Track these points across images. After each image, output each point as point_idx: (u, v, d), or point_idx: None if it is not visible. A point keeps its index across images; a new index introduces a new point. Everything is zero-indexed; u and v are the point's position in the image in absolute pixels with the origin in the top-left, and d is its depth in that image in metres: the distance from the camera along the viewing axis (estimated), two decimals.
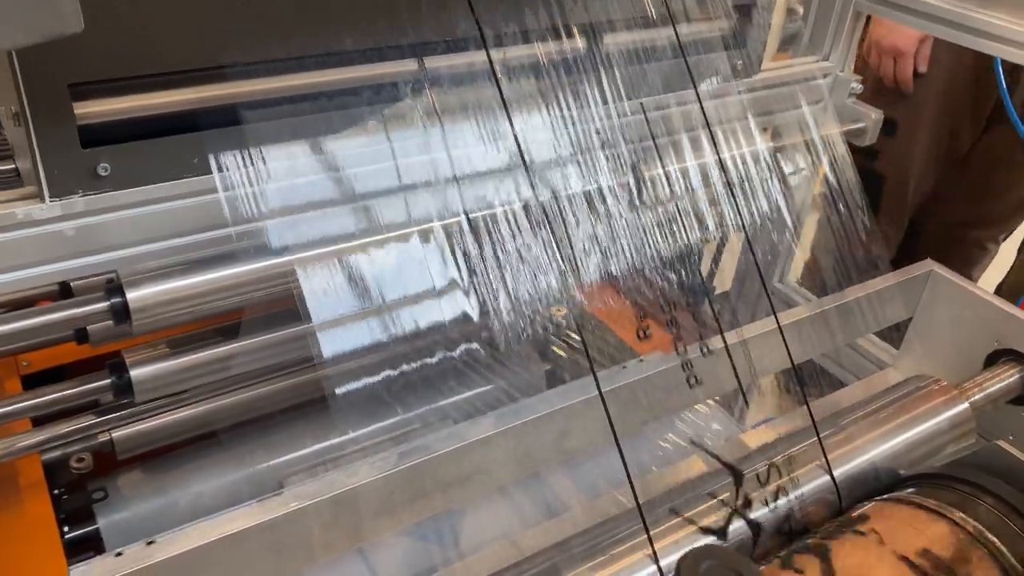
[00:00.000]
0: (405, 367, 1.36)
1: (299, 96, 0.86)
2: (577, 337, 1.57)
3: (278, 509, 0.76)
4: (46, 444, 1.18)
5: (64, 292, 0.93)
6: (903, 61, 1.87)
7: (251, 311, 0.91)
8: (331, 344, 0.84)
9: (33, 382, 1.30)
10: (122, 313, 0.78)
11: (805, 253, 1.48)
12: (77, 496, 1.31)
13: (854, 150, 1.16)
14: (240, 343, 0.98)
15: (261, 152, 0.78)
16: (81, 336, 0.89)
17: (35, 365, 1.30)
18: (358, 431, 1.46)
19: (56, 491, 1.27)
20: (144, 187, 0.82)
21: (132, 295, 0.78)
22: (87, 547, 1.31)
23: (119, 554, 1.03)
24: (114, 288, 0.78)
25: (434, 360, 1.36)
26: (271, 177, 0.81)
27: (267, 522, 0.75)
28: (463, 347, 1.40)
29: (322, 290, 0.82)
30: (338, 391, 0.92)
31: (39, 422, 1.16)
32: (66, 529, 1.28)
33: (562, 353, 1.61)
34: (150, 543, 1.06)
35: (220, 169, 0.80)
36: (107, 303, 0.79)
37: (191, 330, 1.03)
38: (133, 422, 1.25)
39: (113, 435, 1.25)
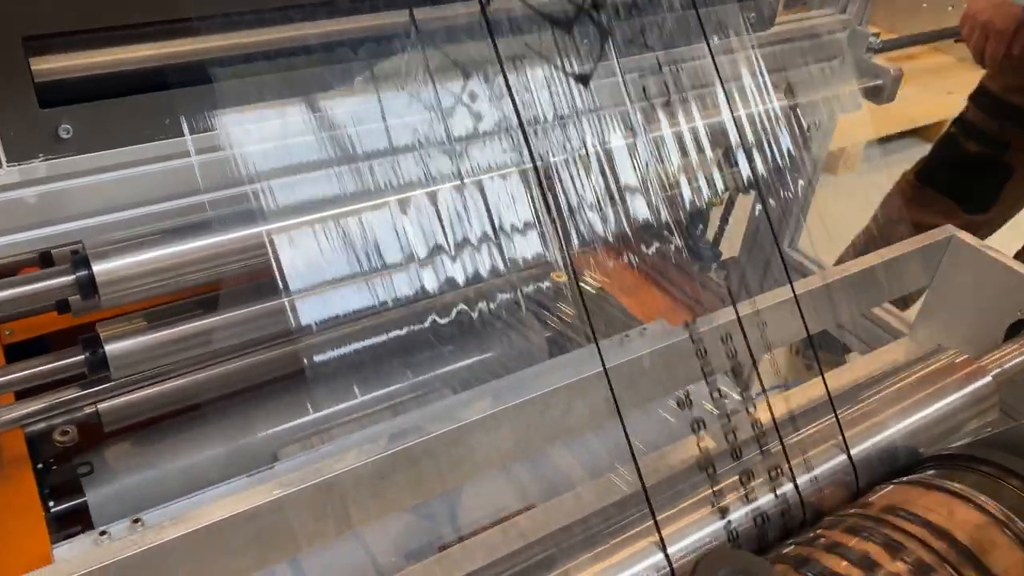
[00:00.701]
0: (395, 333, 1.32)
1: (279, 51, 0.79)
2: (575, 305, 1.53)
3: (263, 496, 0.71)
4: (28, 418, 1.14)
5: (45, 261, 0.87)
6: (996, 39, 1.78)
7: (231, 282, 0.86)
8: (312, 312, 0.78)
9: (16, 352, 1.26)
10: (88, 287, 0.73)
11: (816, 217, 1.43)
12: (62, 471, 1.28)
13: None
14: (221, 316, 0.93)
15: (238, 112, 0.71)
16: (62, 306, 0.83)
17: (19, 334, 1.25)
18: (353, 401, 1.42)
19: (40, 465, 1.24)
20: (111, 151, 0.75)
21: (99, 267, 0.72)
22: (75, 521, 1.28)
23: (103, 532, 1.00)
24: (80, 260, 0.73)
25: (426, 326, 1.31)
26: (249, 139, 0.75)
27: (251, 509, 0.70)
28: (457, 312, 1.35)
29: (302, 257, 0.76)
30: (318, 359, 0.88)
31: (21, 395, 1.12)
32: (51, 504, 1.25)
33: (556, 321, 1.56)
34: (136, 520, 1.03)
35: (193, 131, 0.74)
36: (72, 276, 0.73)
37: (171, 301, 0.98)
38: (120, 393, 1.21)
39: (99, 407, 1.21)
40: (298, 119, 0.73)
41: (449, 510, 1.14)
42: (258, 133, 0.74)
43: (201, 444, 1.33)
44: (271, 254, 0.68)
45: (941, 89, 3.62)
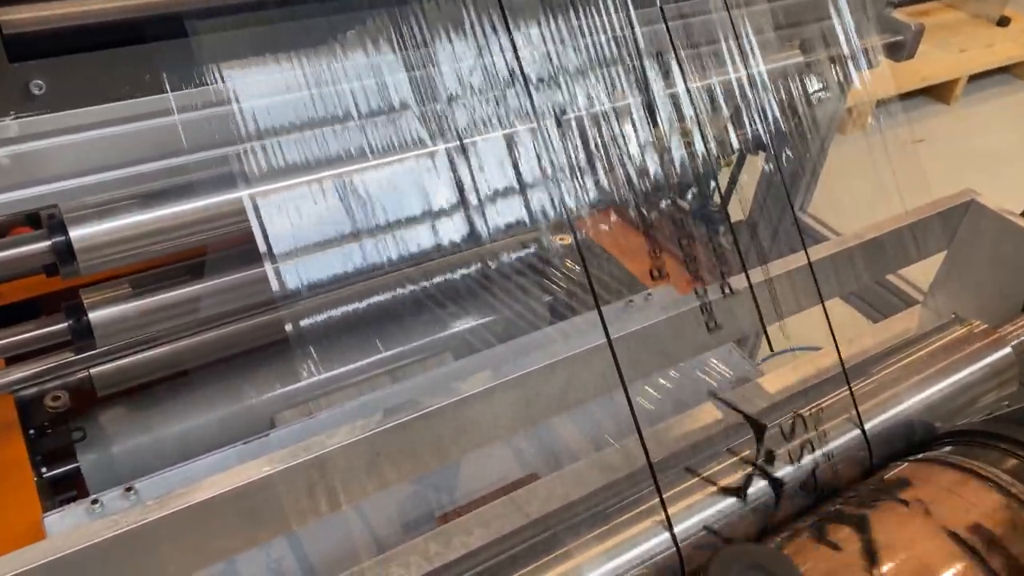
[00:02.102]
0: (389, 295, 1.28)
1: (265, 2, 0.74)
2: (579, 268, 1.49)
3: (254, 472, 0.68)
4: (17, 384, 1.11)
5: (32, 222, 0.84)
6: None
7: (219, 247, 0.82)
8: (298, 276, 0.73)
9: (9, 313, 1.23)
10: (66, 253, 0.69)
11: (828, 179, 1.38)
12: (54, 436, 1.26)
13: None
14: (210, 282, 0.89)
15: (220, 68, 0.67)
16: (50, 268, 0.80)
17: (7, 297, 1.23)
18: (350, 365, 1.40)
19: (32, 431, 1.22)
20: (86, 108, 0.70)
21: (76, 233, 0.68)
22: (69, 486, 1.26)
23: (95, 501, 0.98)
24: (56, 225, 0.68)
25: (424, 287, 1.27)
26: (235, 97, 0.70)
27: (243, 487, 0.68)
28: (457, 274, 1.31)
29: (289, 220, 0.71)
30: (304, 324, 0.84)
31: (10, 361, 1.09)
32: (44, 470, 1.23)
33: (561, 286, 1.53)
34: (129, 489, 1.01)
35: (175, 87, 0.69)
36: (48, 242, 0.69)
37: (158, 264, 0.94)
38: (114, 358, 1.18)
39: (92, 371, 1.19)
40: (289, 75, 0.69)
41: (448, 478, 1.12)
42: (255, 88, 0.70)
43: (197, 408, 1.31)
44: (254, 218, 0.63)
45: (954, 47, 3.54)
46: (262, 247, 0.64)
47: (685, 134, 0.97)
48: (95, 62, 0.71)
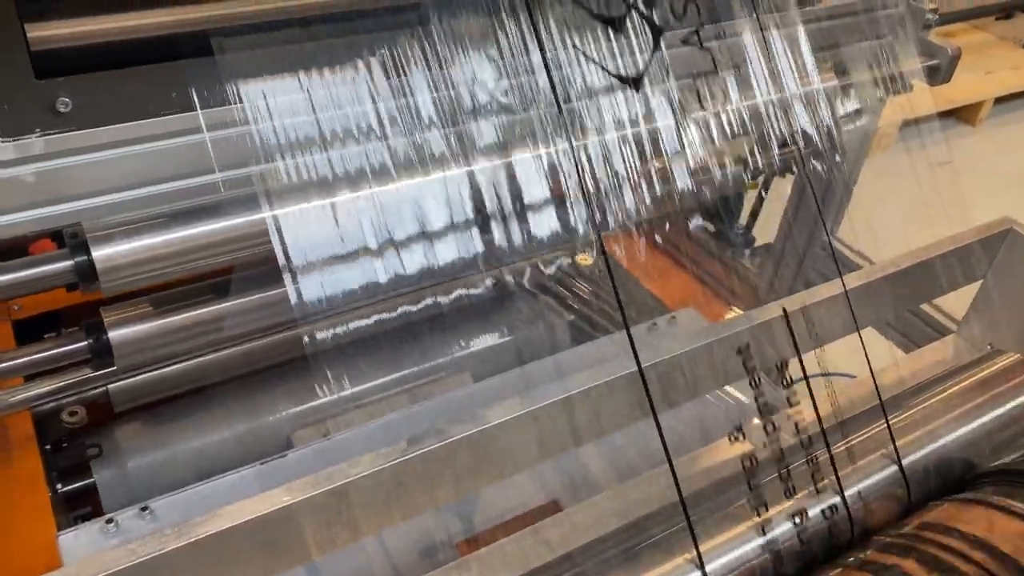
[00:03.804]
0: (412, 311, 1.26)
1: (294, 20, 0.73)
2: (601, 288, 1.47)
3: (273, 502, 0.66)
4: (36, 400, 1.10)
5: (58, 239, 0.82)
6: None
7: (242, 267, 0.80)
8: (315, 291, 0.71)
9: (25, 327, 1.22)
10: (88, 273, 0.67)
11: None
12: (70, 452, 1.25)
13: None
14: (232, 302, 0.88)
15: (239, 85, 0.65)
16: (71, 285, 0.78)
17: (27, 310, 1.22)
18: (368, 383, 1.38)
19: (48, 447, 1.21)
20: (113, 126, 0.69)
21: (99, 253, 0.67)
22: (84, 502, 1.25)
23: (110, 520, 0.96)
24: (78, 244, 0.67)
25: (447, 301, 1.26)
26: (266, 115, 0.69)
27: (260, 517, 0.66)
28: (477, 292, 1.29)
29: (309, 236, 0.69)
30: (321, 338, 0.82)
31: (29, 376, 1.08)
32: (59, 485, 1.22)
33: (580, 306, 1.51)
34: (144, 508, 0.99)
35: (205, 105, 0.68)
36: (71, 262, 0.67)
37: (181, 283, 0.93)
38: (132, 373, 1.16)
39: (109, 387, 1.18)
40: (313, 94, 0.67)
41: (468, 503, 1.10)
42: (277, 106, 0.68)
43: (214, 425, 1.30)
44: (274, 232, 0.62)
45: (980, 68, 3.50)
46: (281, 260, 0.62)
47: (715, 155, 0.96)
48: (121, 79, 0.70)
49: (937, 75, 1.15)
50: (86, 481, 1.21)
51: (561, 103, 0.78)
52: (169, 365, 1.16)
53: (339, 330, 1.03)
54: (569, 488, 1.12)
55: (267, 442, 1.29)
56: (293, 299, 0.64)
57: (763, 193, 1.50)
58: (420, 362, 1.39)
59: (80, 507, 1.22)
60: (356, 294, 0.69)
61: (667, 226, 1.00)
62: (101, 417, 1.21)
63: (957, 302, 1.14)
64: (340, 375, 1.41)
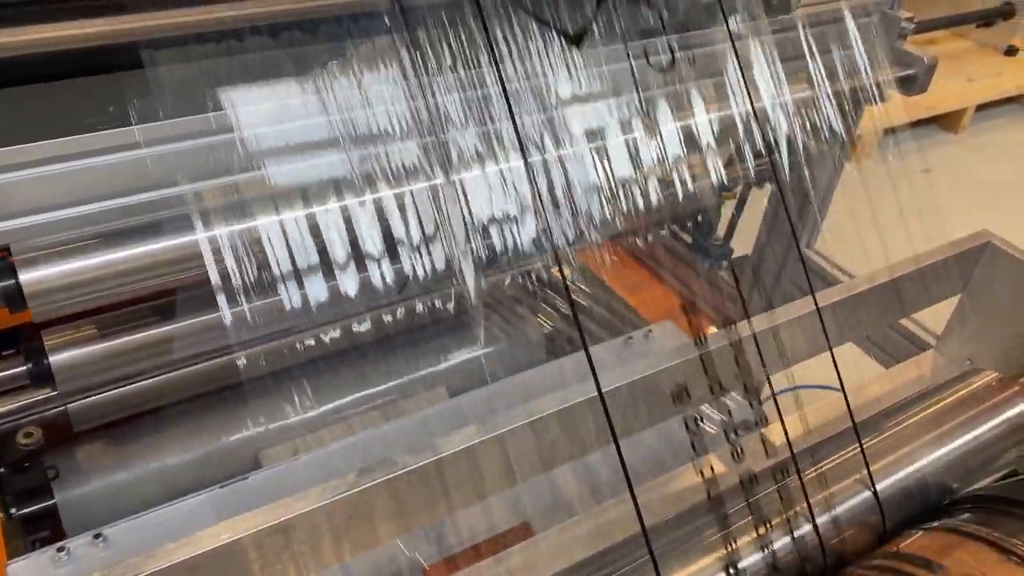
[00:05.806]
0: (384, 326, 1.23)
1: (231, 30, 0.69)
2: (574, 302, 1.43)
3: (216, 540, 0.63)
4: None
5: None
6: None
7: (186, 288, 0.76)
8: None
9: None
10: (15, 298, 0.63)
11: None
12: (25, 475, 1.21)
13: None
14: (180, 323, 0.84)
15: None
16: (14, 305, 0.74)
17: None
18: (339, 401, 1.35)
19: (1, 469, 1.17)
20: (41, 142, 0.65)
21: (26, 276, 0.63)
22: (44, 525, 1.21)
23: (61, 548, 0.92)
24: (4, 268, 0.63)
25: (419, 318, 1.22)
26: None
27: (204, 553, 0.62)
28: (451, 306, 1.26)
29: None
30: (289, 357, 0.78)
31: None
32: (12, 510, 1.18)
33: (555, 321, 1.48)
34: (98, 536, 0.95)
35: (143, 119, 0.65)
36: None
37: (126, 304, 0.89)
38: (92, 393, 1.12)
39: (69, 406, 1.14)
40: (252, 108, 0.64)
41: (436, 524, 1.06)
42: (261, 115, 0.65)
43: (177, 445, 1.26)
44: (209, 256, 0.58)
45: (961, 75, 3.49)
46: (215, 280, 0.59)
47: (689, 167, 0.93)
48: (51, 92, 0.66)
49: (913, 84, 1.12)
50: (44, 504, 1.17)
51: (520, 114, 0.75)
52: (131, 383, 1.13)
53: (306, 347, 1.00)
54: (541, 507, 1.09)
55: (234, 461, 1.25)
56: (227, 320, 0.61)
57: (741, 204, 1.47)
58: (395, 377, 1.36)
59: (39, 531, 1.18)
60: (288, 316, 0.65)
61: (640, 239, 0.98)
62: (59, 437, 1.17)
63: (937, 315, 1.12)
64: (311, 392, 1.37)
